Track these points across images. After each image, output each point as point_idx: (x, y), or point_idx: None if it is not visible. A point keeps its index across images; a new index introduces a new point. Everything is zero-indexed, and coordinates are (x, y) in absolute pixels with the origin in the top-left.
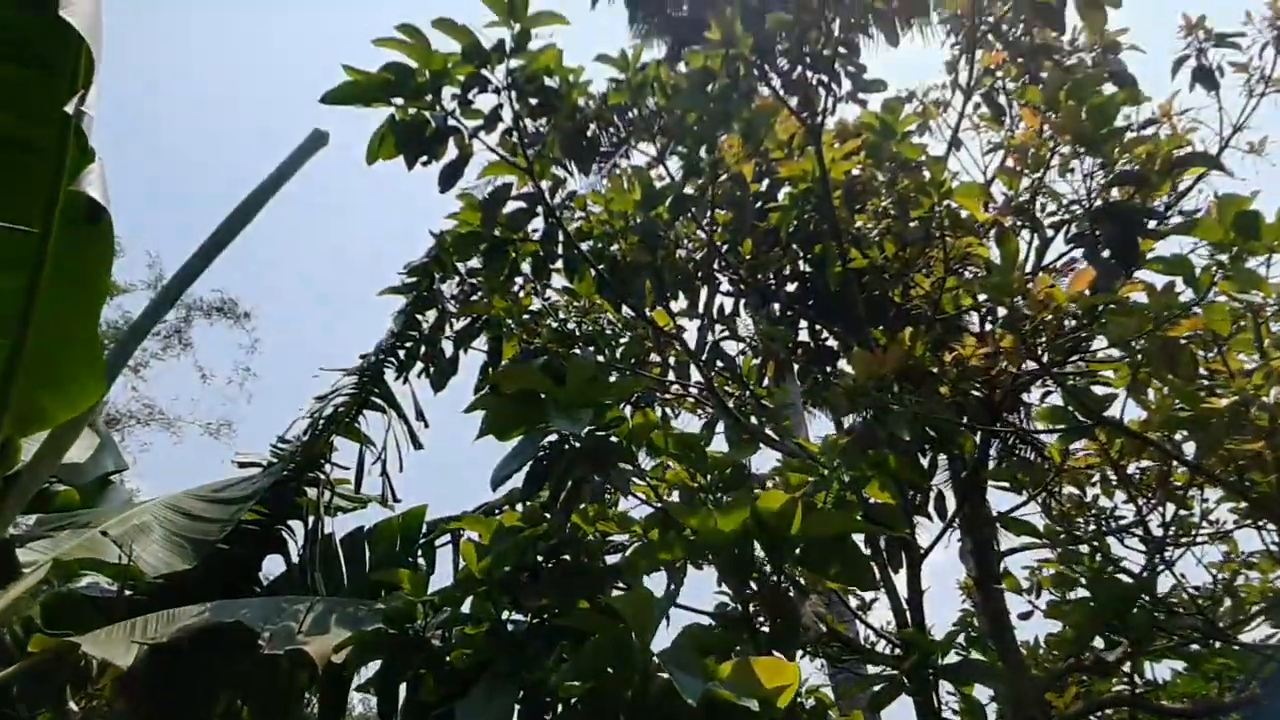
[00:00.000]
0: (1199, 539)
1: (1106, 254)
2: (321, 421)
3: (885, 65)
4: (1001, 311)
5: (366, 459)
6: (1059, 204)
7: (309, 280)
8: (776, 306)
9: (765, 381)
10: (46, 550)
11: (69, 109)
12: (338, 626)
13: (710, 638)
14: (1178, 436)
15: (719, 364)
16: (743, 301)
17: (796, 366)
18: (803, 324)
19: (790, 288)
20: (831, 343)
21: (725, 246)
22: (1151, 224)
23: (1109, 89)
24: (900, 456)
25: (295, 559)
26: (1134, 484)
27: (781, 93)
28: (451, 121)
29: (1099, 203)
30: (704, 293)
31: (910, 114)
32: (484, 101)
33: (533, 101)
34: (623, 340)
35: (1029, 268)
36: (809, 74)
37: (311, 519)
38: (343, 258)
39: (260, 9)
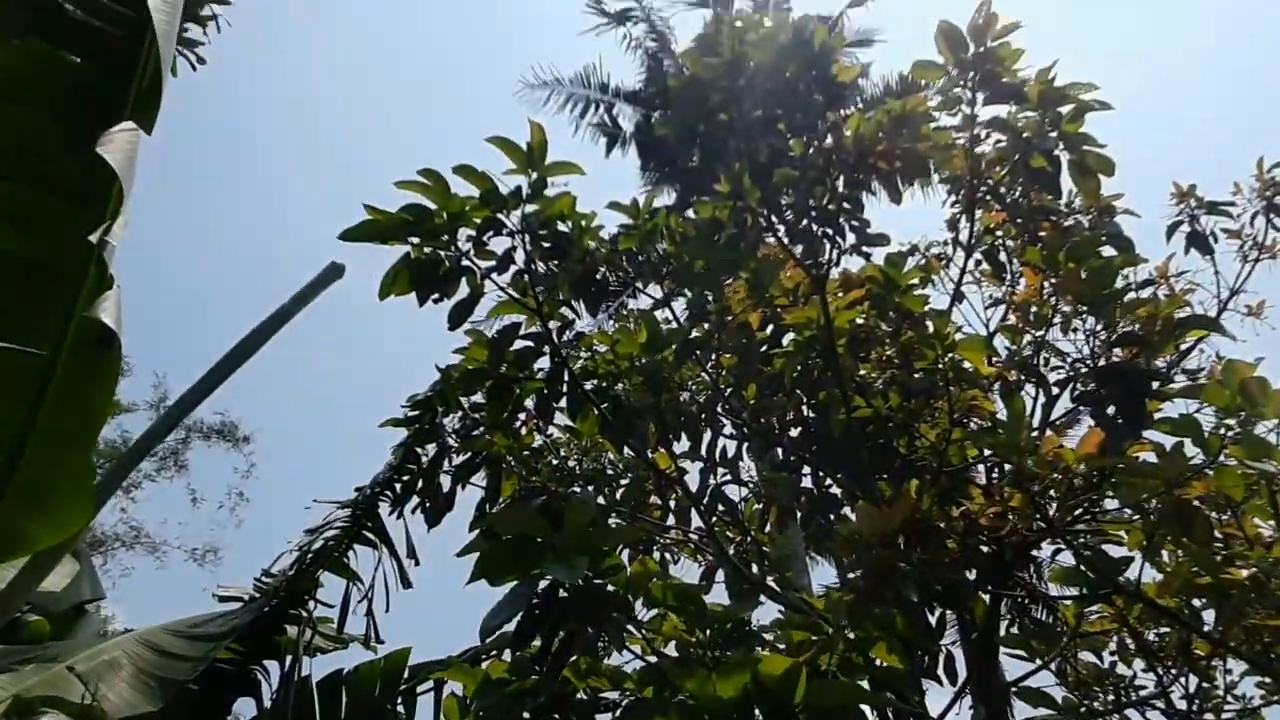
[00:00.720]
0: (1225, 715)
1: (1113, 413)
2: (309, 556)
3: (887, 218)
4: (1008, 467)
5: (353, 596)
6: (1063, 361)
7: (311, 406)
8: (780, 452)
9: (767, 528)
10: (8, 685)
11: (94, 238)
12: None
13: None
14: (1196, 603)
15: (720, 509)
16: (745, 446)
17: (799, 514)
18: (806, 470)
19: (794, 433)
20: (835, 490)
21: (729, 390)
22: (1156, 385)
23: (1108, 251)
24: (908, 617)
25: (269, 703)
26: (1153, 652)
27: (787, 243)
28: (465, 262)
29: (1103, 362)
30: (707, 435)
31: (913, 268)
32: (497, 243)
33: (545, 245)
34: (623, 481)
35: (1035, 424)
36: (814, 226)
37: (289, 659)
38: (348, 386)
39: (293, 144)
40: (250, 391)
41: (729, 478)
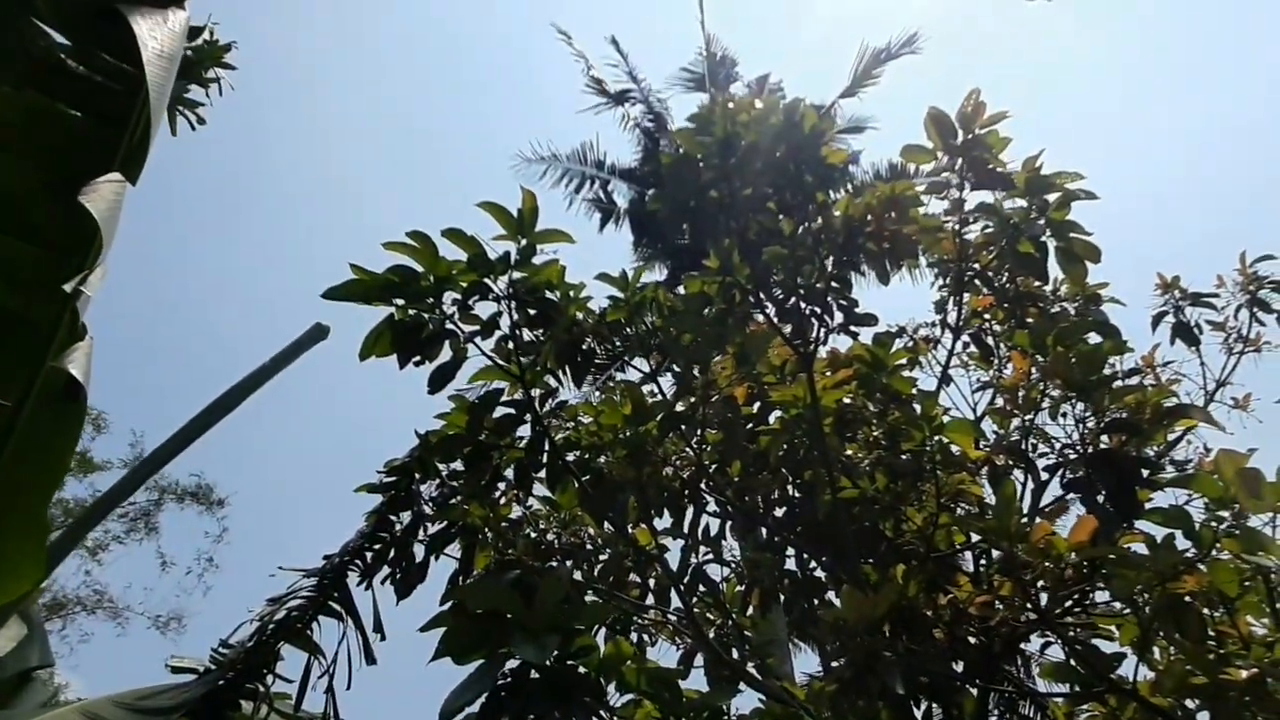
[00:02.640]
0: None
1: (1104, 501)
2: (270, 626)
3: (875, 299)
4: (996, 554)
5: (314, 671)
6: (1051, 447)
7: (288, 471)
8: (763, 532)
9: (749, 611)
10: None
11: (68, 287)
12: None
13: None
14: (1191, 704)
15: (701, 589)
16: (729, 524)
17: (783, 597)
18: (790, 552)
19: (778, 513)
20: (820, 573)
21: (714, 467)
22: (1147, 473)
23: (1094, 338)
24: (892, 710)
25: None
26: None
27: (775, 320)
28: (449, 325)
29: (1092, 449)
30: (689, 512)
31: (900, 349)
32: (483, 308)
33: (531, 312)
34: (602, 557)
35: (1024, 510)
36: (802, 305)
37: None
38: (327, 450)
39: (288, 207)
40: (228, 454)
41: (711, 557)
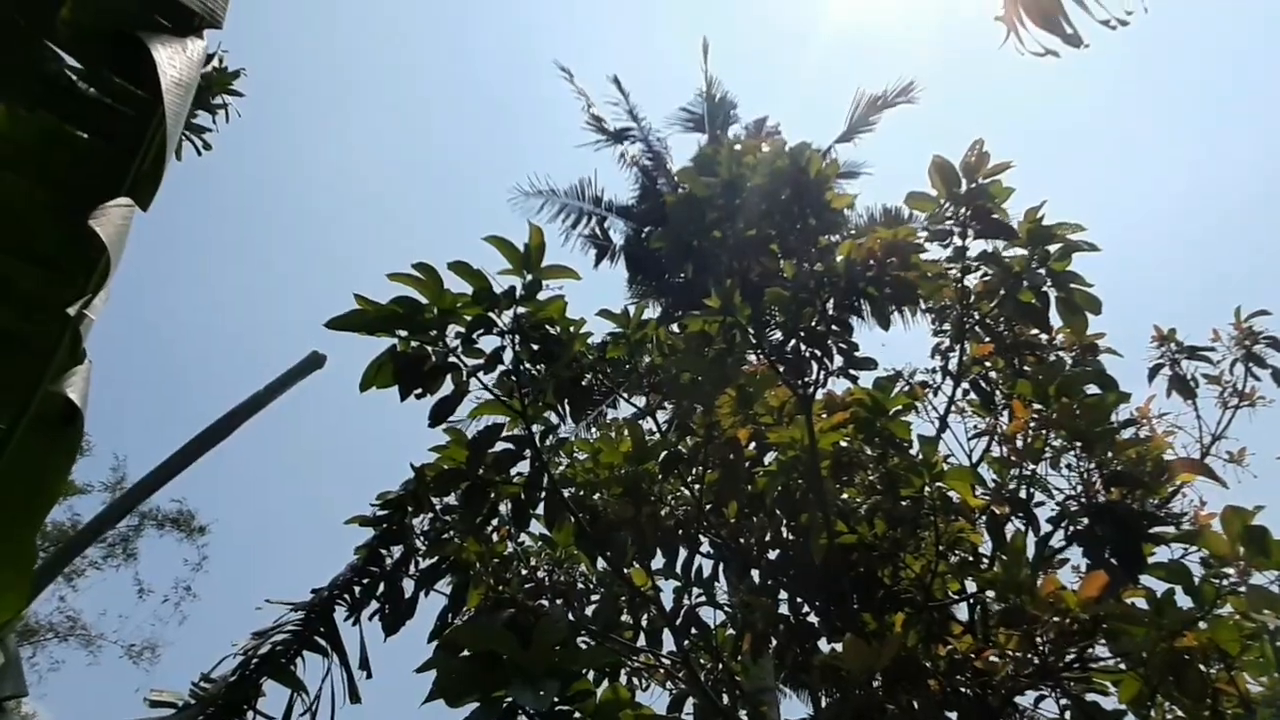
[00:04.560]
0: None
1: (1108, 555)
2: (254, 661)
3: (873, 346)
4: (997, 605)
5: (296, 709)
6: (1051, 498)
7: (272, 502)
8: (757, 575)
9: (741, 656)
10: None
11: (72, 311)
12: None
13: None
14: None
15: (694, 631)
16: (722, 566)
17: (775, 642)
18: (783, 596)
19: (772, 555)
20: (813, 619)
21: (709, 507)
22: (1150, 528)
23: (1092, 389)
24: None
25: None
26: None
27: (774, 362)
28: (452, 358)
29: (1095, 501)
30: (683, 553)
31: (899, 393)
32: (486, 342)
33: (534, 347)
34: (594, 597)
35: (1028, 561)
36: (802, 347)
37: None
38: (313, 483)
39: (288, 239)
40: (211, 481)
41: (704, 599)
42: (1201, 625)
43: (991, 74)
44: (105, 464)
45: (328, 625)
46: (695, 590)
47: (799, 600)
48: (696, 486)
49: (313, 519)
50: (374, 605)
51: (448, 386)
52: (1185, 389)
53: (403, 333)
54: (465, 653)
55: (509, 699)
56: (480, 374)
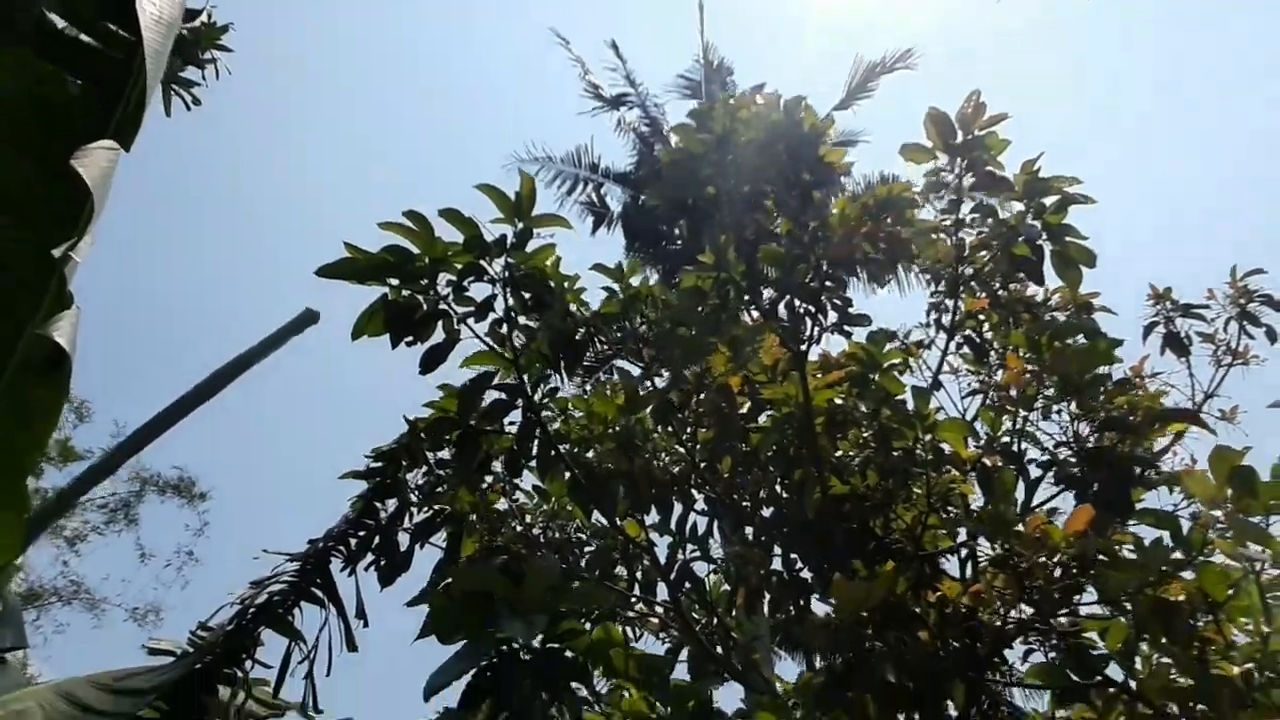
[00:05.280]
0: None
1: (1097, 497)
2: (252, 610)
3: (869, 309)
4: (986, 552)
5: (294, 657)
6: (1042, 448)
7: (271, 464)
8: (750, 531)
9: (735, 611)
10: None
11: (57, 253)
12: None
13: None
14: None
15: (687, 586)
16: (716, 523)
17: (768, 596)
18: (777, 552)
19: (766, 512)
20: (806, 574)
21: (704, 464)
22: (1140, 472)
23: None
24: (880, 702)
25: None
26: None
27: (768, 318)
28: (443, 306)
29: (1086, 447)
30: (678, 509)
31: (894, 349)
32: (478, 291)
33: (526, 296)
34: (589, 548)
35: (1018, 508)
36: (796, 303)
37: None
38: (312, 444)
39: (280, 204)
40: (211, 446)
41: (698, 554)
42: (1189, 576)
43: (997, 44)
44: (105, 430)
45: (324, 577)
46: (690, 546)
47: (793, 556)
48: (691, 444)
49: (312, 477)
50: (370, 558)
51: (439, 335)
52: (1179, 347)
53: (394, 281)
54: (459, 593)
55: (500, 636)
56: (472, 323)
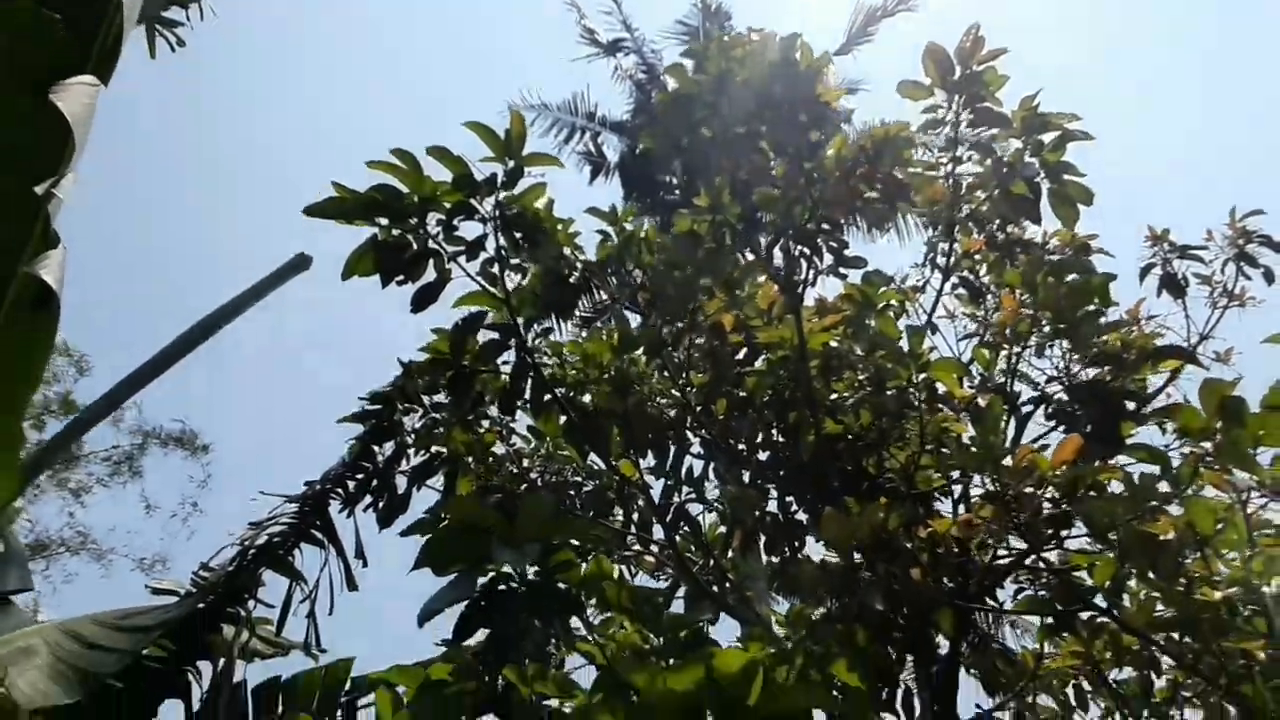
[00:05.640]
0: None
1: (1087, 431)
2: (251, 551)
3: (866, 257)
4: (977, 492)
5: (295, 597)
6: (1034, 385)
7: (275, 416)
8: (746, 476)
9: (730, 553)
10: None
11: (39, 190)
12: None
13: None
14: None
15: (683, 527)
16: (712, 465)
17: (764, 538)
18: (772, 494)
19: (762, 456)
20: (802, 516)
21: (699, 408)
22: (1131, 406)
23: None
24: (870, 631)
25: (198, 706)
26: (1113, 692)
27: (764, 260)
28: (432, 245)
29: (1079, 381)
30: (673, 451)
31: (890, 289)
32: (469, 230)
33: (517, 235)
34: (586, 488)
35: (1007, 444)
36: (791, 245)
37: (222, 661)
38: (313, 392)
39: (271, 150)
40: (215, 399)
41: (693, 496)
42: (1177, 511)
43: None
44: (106, 384)
45: (323, 519)
46: (685, 489)
47: (788, 499)
48: (686, 386)
49: (314, 425)
50: (368, 500)
51: (430, 274)
52: (1175, 288)
53: (383, 221)
54: (453, 524)
55: (493, 567)
56: (464, 263)
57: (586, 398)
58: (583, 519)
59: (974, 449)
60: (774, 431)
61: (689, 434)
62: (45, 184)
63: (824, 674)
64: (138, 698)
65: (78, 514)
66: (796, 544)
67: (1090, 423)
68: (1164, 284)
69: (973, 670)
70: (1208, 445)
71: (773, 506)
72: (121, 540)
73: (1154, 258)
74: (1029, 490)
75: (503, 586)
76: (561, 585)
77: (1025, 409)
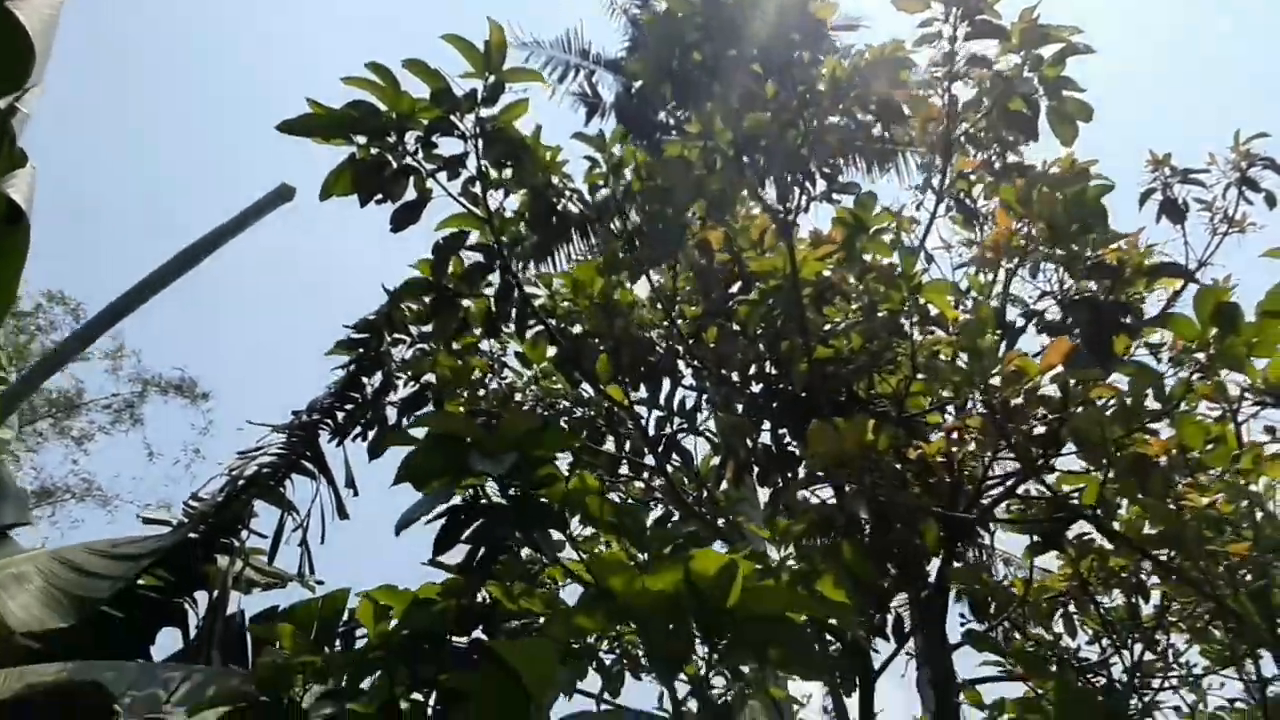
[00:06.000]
0: (1168, 685)
1: (1079, 344)
2: (241, 481)
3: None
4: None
5: (287, 526)
6: (1026, 305)
7: (277, 364)
8: (740, 408)
9: (724, 485)
10: None
11: (1, 104)
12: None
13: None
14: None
15: (675, 458)
16: (704, 397)
17: (756, 469)
18: (765, 427)
19: (756, 389)
20: (794, 448)
21: (692, 340)
22: (1126, 319)
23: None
24: (855, 543)
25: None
26: (1101, 613)
27: (757, 187)
28: (411, 162)
29: (1072, 294)
30: (666, 385)
31: (883, 211)
32: (451, 149)
33: (497, 152)
34: (575, 414)
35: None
36: (784, 171)
37: (216, 590)
38: (312, 333)
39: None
40: (217, 347)
41: (685, 427)
42: (1169, 433)
43: None
44: (106, 332)
45: (313, 449)
46: (678, 420)
47: (781, 431)
48: (675, 313)
49: (310, 362)
50: (358, 430)
51: (411, 194)
52: (1175, 213)
53: (361, 139)
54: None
55: (474, 483)
56: (445, 180)
57: (577, 328)
58: (567, 431)
59: (959, 345)
60: (767, 365)
61: (681, 365)
62: (7, 99)
63: (810, 590)
64: (135, 626)
65: (81, 461)
66: (790, 475)
67: (1081, 334)
68: (1163, 209)
69: (962, 594)
70: (1201, 358)
71: (766, 439)
72: (126, 487)
73: (1154, 183)
74: (1018, 403)
75: (483, 497)
76: (544, 500)
77: (1019, 324)
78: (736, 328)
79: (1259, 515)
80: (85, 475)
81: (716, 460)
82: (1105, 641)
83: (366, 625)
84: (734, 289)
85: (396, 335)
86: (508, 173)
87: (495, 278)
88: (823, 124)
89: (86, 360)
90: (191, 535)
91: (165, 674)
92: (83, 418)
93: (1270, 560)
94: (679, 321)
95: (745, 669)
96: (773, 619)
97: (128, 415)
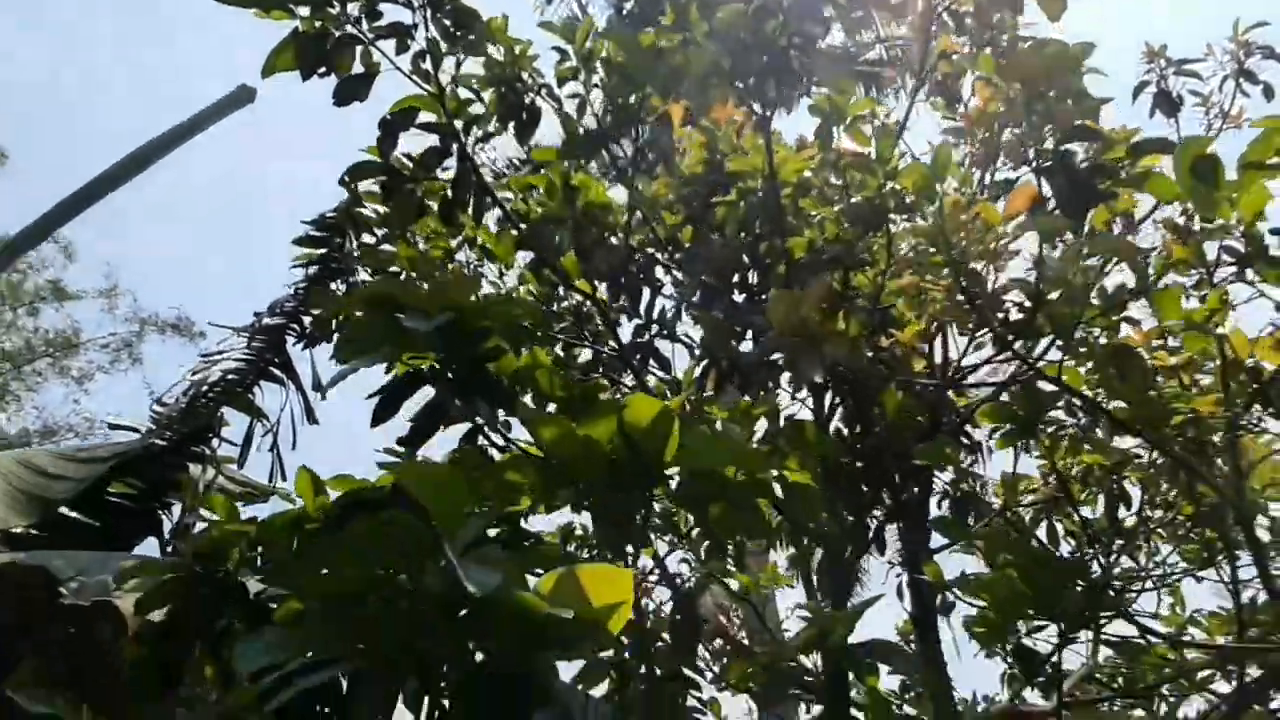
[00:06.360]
0: (1146, 588)
1: (1053, 208)
2: (205, 386)
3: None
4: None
5: (256, 433)
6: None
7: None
8: (720, 316)
9: (706, 393)
10: None
11: None
12: None
13: (540, 554)
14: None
15: (654, 366)
16: (684, 306)
17: (739, 377)
18: (747, 338)
19: (737, 298)
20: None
21: (670, 247)
22: (1102, 184)
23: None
24: (820, 430)
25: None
26: (1083, 529)
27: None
28: (355, 30)
29: (1046, 160)
30: (645, 295)
31: (864, 100)
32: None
33: (448, 25)
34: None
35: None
36: (763, 61)
37: (189, 498)
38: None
39: None
40: (219, 290)
41: (664, 334)
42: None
43: None
44: (97, 271)
45: (280, 355)
46: (656, 328)
47: (760, 340)
48: (655, 223)
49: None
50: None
51: (359, 69)
52: (1169, 106)
53: (304, 13)
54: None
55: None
56: (393, 55)
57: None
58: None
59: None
60: (750, 274)
61: (660, 272)
62: None
63: (777, 476)
64: (109, 533)
65: (82, 400)
66: (771, 384)
67: (1055, 196)
68: (1157, 102)
69: (943, 501)
70: (1180, 221)
71: (747, 347)
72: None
73: (1149, 75)
74: (993, 281)
75: (426, 369)
76: (490, 373)
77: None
78: (714, 234)
79: (1227, 355)
80: (86, 414)
81: (699, 371)
82: (1087, 551)
83: (305, 498)
84: (715, 199)
85: (362, 235)
86: (464, 57)
87: (453, 163)
88: (801, 11)
89: (80, 299)
90: (160, 442)
91: (119, 564)
92: (81, 357)
93: (1239, 414)
94: (657, 227)
95: (703, 553)
96: (715, 476)
97: (126, 354)
